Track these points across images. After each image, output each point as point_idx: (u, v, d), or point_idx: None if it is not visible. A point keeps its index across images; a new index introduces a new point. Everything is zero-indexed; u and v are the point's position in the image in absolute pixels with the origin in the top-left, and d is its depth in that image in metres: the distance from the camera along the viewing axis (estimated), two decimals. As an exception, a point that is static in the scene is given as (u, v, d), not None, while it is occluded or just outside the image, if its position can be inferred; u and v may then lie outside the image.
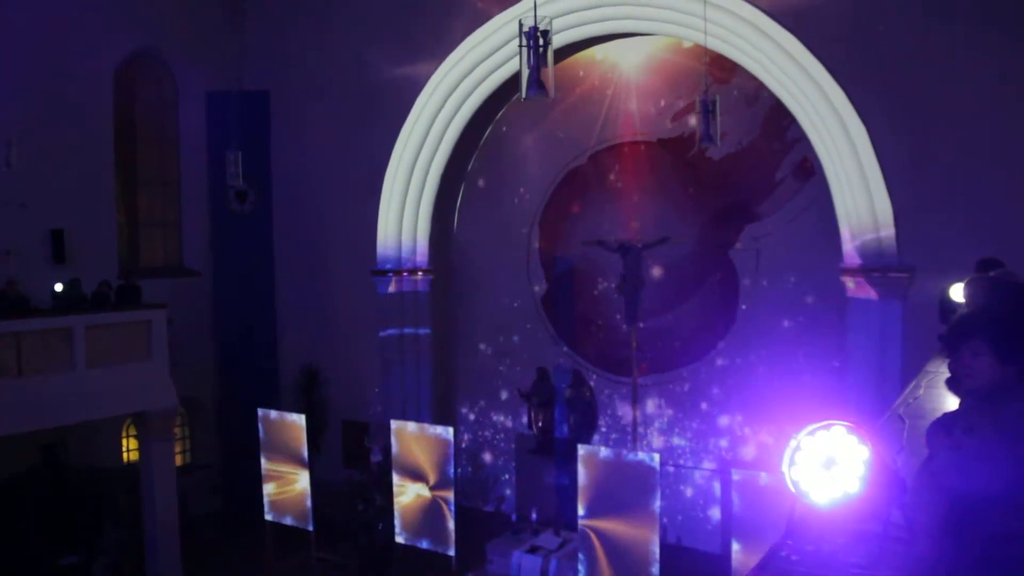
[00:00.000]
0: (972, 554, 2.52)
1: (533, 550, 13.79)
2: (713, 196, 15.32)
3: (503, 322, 17.46)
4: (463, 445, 17.72)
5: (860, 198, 13.09)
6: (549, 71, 6.80)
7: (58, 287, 14.23)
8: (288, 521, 14.06)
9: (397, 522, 13.02)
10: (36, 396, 12.91)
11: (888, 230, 12.94)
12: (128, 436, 16.97)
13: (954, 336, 2.96)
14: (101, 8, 16.40)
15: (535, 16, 6.72)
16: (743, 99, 14.89)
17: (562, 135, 16.62)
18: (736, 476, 11.77)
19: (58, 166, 15.40)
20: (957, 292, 6.66)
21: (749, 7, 13.40)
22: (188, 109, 18.60)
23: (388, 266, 17.39)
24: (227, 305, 18.74)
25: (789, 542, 3.27)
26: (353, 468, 16.92)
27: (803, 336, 14.55)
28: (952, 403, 3.83)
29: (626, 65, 16.00)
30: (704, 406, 15.56)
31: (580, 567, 11.24)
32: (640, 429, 16.02)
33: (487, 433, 17.81)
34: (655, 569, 10.51)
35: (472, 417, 17.98)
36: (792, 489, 3.35)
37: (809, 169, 14.38)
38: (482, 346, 17.78)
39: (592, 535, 11.06)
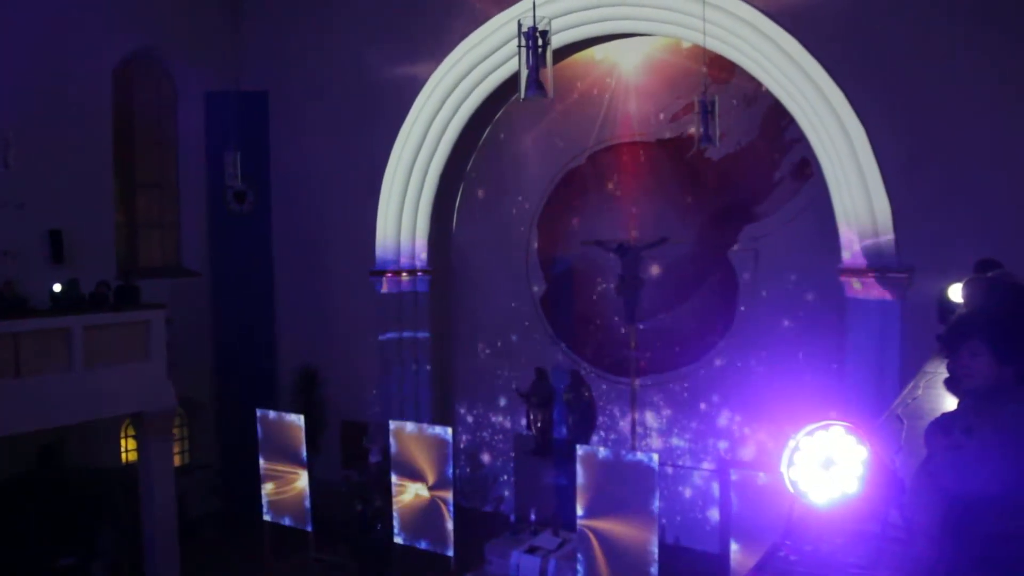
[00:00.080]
0: (970, 554, 2.52)
1: (532, 550, 13.79)
2: (712, 196, 15.32)
3: (502, 322, 17.46)
4: (462, 445, 17.73)
5: (859, 198, 13.09)
6: (548, 71, 6.80)
7: (56, 287, 14.21)
8: (287, 521, 14.05)
9: (396, 522, 13.02)
10: (34, 397, 12.89)
11: (887, 230, 12.94)
12: (126, 436, 16.96)
13: (952, 336, 2.97)
14: (99, 8, 16.39)
15: (534, 16, 6.72)
16: (742, 99, 14.90)
17: (561, 135, 16.63)
18: (735, 476, 11.77)
19: (56, 166, 15.39)
20: (955, 292, 6.67)
21: (748, 7, 13.40)
22: (187, 109, 18.59)
23: (387, 266, 17.39)
24: (226, 305, 18.74)
25: (788, 542, 3.27)
26: (352, 468, 16.92)
27: (802, 336, 14.56)
28: (950, 403, 3.83)
29: (625, 65, 16.00)
30: (703, 406, 15.57)
31: (579, 567, 11.24)
32: (639, 429, 16.03)
33: (486, 433, 17.81)
34: (654, 569, 10.51)
35: (471, 417, 17.98)
36: (791, 489, 3.35)
37: (808, 172, 14.39)
38: (481, 346, 17.79)
39: (591, 535, 11.06)
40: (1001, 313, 3.19)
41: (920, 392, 5.76)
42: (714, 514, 15.32)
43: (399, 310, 17.38)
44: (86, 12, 16.15)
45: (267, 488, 14.18)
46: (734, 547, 11.58)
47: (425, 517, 12.69)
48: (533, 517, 14.96)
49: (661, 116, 15.67)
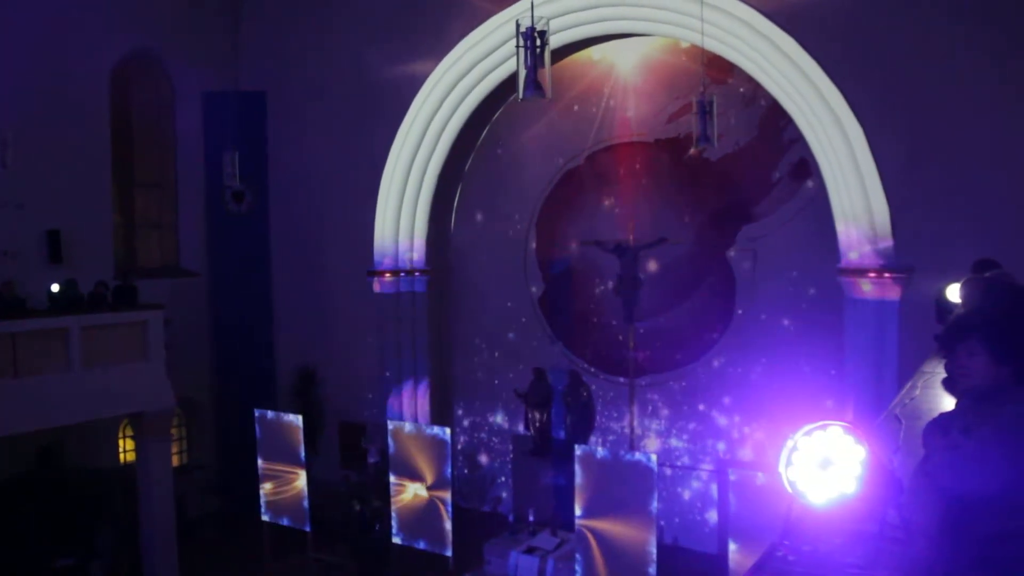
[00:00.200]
0: (969, 554, 2.52)
1: (530, 551, 13.79)
2: (710, 197, 15.33)
3: (500, 322, 17.47)
4: (460, 446, 17.72)
5: (857, 198, 13.10)
6: (546, 72, 6.80)
7: (54, 288, 14.19)
8: (285, 522, 14.05)
9: (394, 522, 13.02)
10: (33, 397, 12.88)
11: (885, 231, 12.95)
12: (125, 437, 16.95)
13: (950, 336, 2.97)
14: (98, 8, 16.38)
15: (532, 16, 6.72)
16: (740, 100, 14.91)
17: (559, 136, 16.63)
18: (733, 476, 11.79)
19: (55, 166, 15.38)
20: (953, 293, 6.67)
21: (746, 7, 13.41)
22: (185, 110, 18.57)
23: (385, 266, 17.38)
24: (224, 306, 18.73)
25: (786, 542, 3.27)
26: (350, 469, 16.91)
27: (800, 336, 14.57)
28: (949, 403, 3.83)
29: (623, 66, 16.00)
30: (701, 406, 15.57)
31: (577, 567, 11.24)
32: (637, 430, 16.03)
33: (484, 433, 17.82)
34: (652, 569, 10.51)
35: (469, 418, 17.98)
36: (789, 489, 3.35)
37: (806, 172, 14.40)
38: (479, 346, 17.78)
39: (589, 536, 11.06)
40: (998, 313, 3.19)
41: (918, 392, 5.76)
42: (712, 514, 15.32)
43: (397, 310, 17.38)
44: (84, 12, 16.14)
45: (265, 488, 14.18)
46: (732, 547, 11.60)
47: (423, 517, 12.69)
48: (531, 517, 14.96)
49: (659, 116, 15.67)
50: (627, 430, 16.09)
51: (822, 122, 13.22)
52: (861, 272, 13.23)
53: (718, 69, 14.58)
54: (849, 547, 3.10)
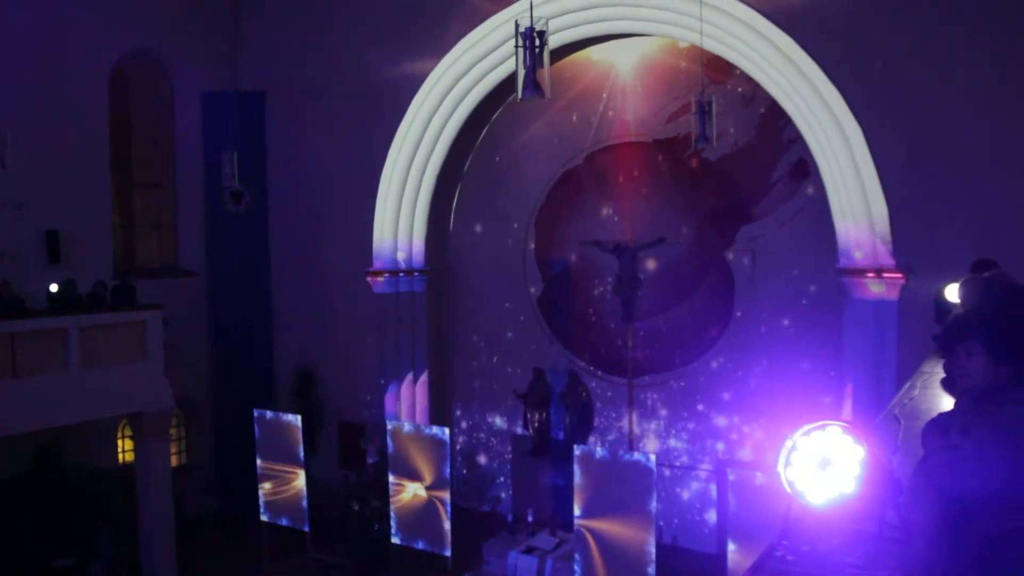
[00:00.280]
0: (968, 554, 2.52)
1: (529, 551, 13.79)
2: (709, 197, 15.33)
3: (499, 322, 17.46)
4: (459, 446, 17.72)
5: (856, 199, 13.11)
6: (545, 72, 6.79)
7: (53, 288, 14.19)
8: (284, 522, 14.04)
9: (393, 522, 13.02)
10: (31, 397, 12.87)
11: (884, 231, 12.96)
12: (124, 437, 16.96)
13: (949, 336, 2.97)
14: (97, 8, 16.37)
15: (531, 16, 6.72)
16: (739, 100, 14.91)
17: (558, 136, 16.63)
18: (732, 476, 11.80)
19: (54, 166, 15.37)
20: (952, 293, 6.67)
21: (744, 8, 13.42)
22: (184, 110, 18.57)
23: (384, 267, 17.37)
24: (223, 306, 18.72)
25: (785, 542, 3.27)
26: (349, 469, 16.90)
27: (799, 336, 14.57)
28: (947, 403, 3.84)
29: (622, 66, 16.00)
30: (700, 407, 15.57)
31: (576, 568, 11.24)
32: (636, 430, 16.03)
33: (483, 434, 17.81)
34: (651, 570, 10.51)
35: (468, 418, 17.98)
36: (788, 489, 3.35)
37: (805, 172, 14.40)
38: (478, 346, 17.77)
39: (588, 536, 11.06)
40: (997, 313, 3.19)
41: (917, 392, 5.77)
42: (711, 514, 15.33)
43: (396, 310, 17.37)
44: (83, 12, 16.14)
45: (264, 488, 14.17)
46: (731, 547, 11.61)
47: (422, 517, 12.69)
48: (530, 517, 14.96)
49: (658, 116, 15.67)
50: (626, 430, 16.09)
51: (821, 122, 13.22)
52: (860, 272, 13.24)
53: (717, 69, 14.58)
54: (848, 547, 3.11)
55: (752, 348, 14.99)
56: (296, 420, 13.79)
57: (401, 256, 17.32)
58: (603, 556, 10.92)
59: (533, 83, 6.76)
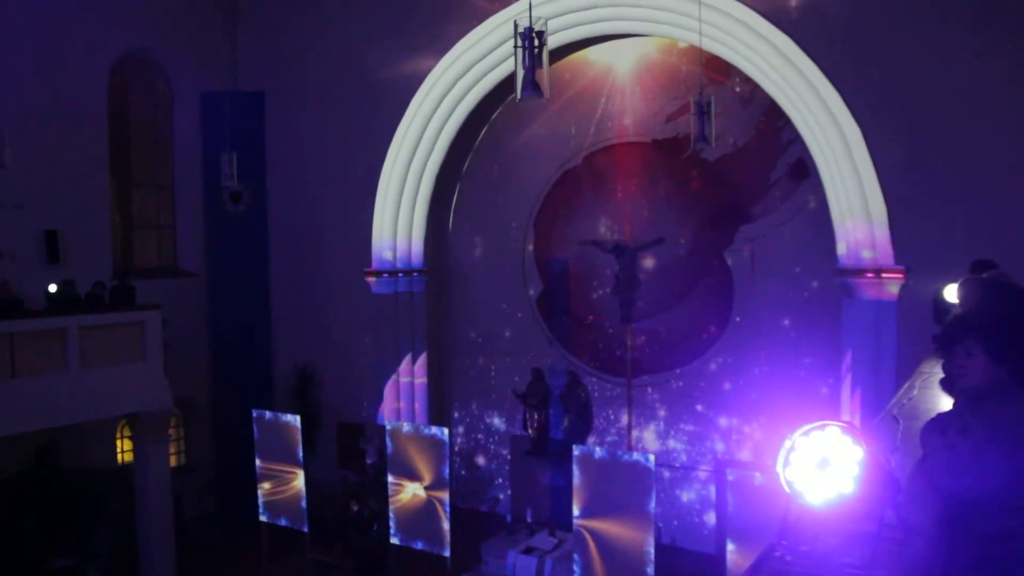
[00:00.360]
0: (967, 554, 2.52)
1: (528, 551, 13.79)
2: (708, 197, 15.34)
3: (498, 322, 17.47)
4: (457, 447, 17.71)
5: (855, 199, 13.12)
6: (544, 72, 6.80)
7: (52, 288, 14.18)
8: (283, 522, 14.04)
9: (392, 523, 13.02)
10: (30, 397, 12.86)
11: (883, 231, 12.96)
12: (122, 437, 16.95)
13: (947, 336, 2.97)
14: (95, 8, 16.36)
15: (530, 17, 6.72)
16: (738, 100, 14.92)
17: (557, 136, 16.63)
18: (731, 476, 11.81)
19: (52, 166, 15.36)
20: (951, 293, 6.68)
21: (743, 8, 13.42)
22: (183, 110, 18.57)
23: (383, 267, 17.37)
24: (222, 306, 18.72)
25: (783, 542, 3.27)
26: (348, 469, 16.90)
27: (798, 337, 14.58)
28: (946, 403, 3.84)
29: (621, 66, 16.01)
30: (699, 407, 15.58)
31: (575, 568, 11.24)
32: (635, 430, 16.04)
33: (482, 434, 17.81)
34: (650, 570, 10.51)
35: (467, 418, 17.98)
36: (787, 489, 3.35)
37: (804, 172, 14.41)
38: (477, 347, 17.77)
39: (587, 536, 11.06)
40: (996, 313, 3.20)
41: (916, 392, 5.77)
42: (710, 515, 15.33)
43: (395, 311, 17.37)
44: (82, 12, 16.12)
45: (263, 488, 14.17)
46: (730, 547, 11.62)
47: (421, 517, 12.69)
48: (529, 518, 14.96)
49: (657, 117, 15.67)
50: (625, 431, 16.09)
51: (820, 122, 13.23)
52: (859, 272, 13.25)
53: (716, 69, 14.59)
54: (847, 547, 3.11)
55: (751, 348, 15.00)
56: (295, 420, 13.80)
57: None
58: (602, 556, 10.93)
59: (532, 83, 6.76)
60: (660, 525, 14.25)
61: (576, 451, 11.31)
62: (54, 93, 15.63)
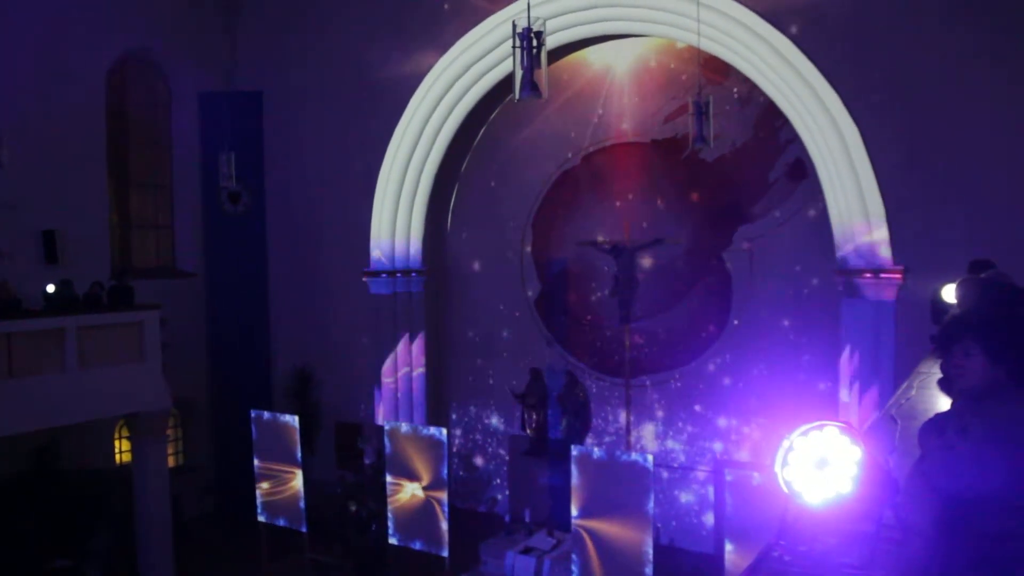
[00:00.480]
0: (965, 554, 2.52)
1: (527, 551, 13.80)
2: (706, 197, 15.34)
3: (496, 323, 17.47)
4: (455, 448, 17.71)
5: (853, 199, 13.12)
6: (542, 72, 6.80)
7: (50, 288, 14.18)
8: (281, 522, 14.02)
9: (391, 523, 13.01)
10: (28, 398, 12.86)
11: (881, 231, 12.97)
12: (121, 437, 16.94)
13: (945, 336, 2.97)
14: (94, 8, 16.36)
15: (528, 17, 6.72)
16: (736, 100, 14.92)
17: (555, 136, 16.63)
18: (729, 476, 11.81)
19: (50, 166, 15.35)
20: (949, 293, 6.69)
21: (742, 8, 13.43)
22: (181, 110, 18.57)
23: (381, 267, 17.37)
24: (220, 306, 18.71)
25: (782, 543, 3.27)
26: (346, 469, 16.90)
27: (796, 337, 14.59)
28: (944, 403, 3.84)
29: (619, 66, 16.01)
30: (698, 407, 15.58)
31: (573, 568, 11.24)
32: (634, 430, 16.04)
33: (480, 434, 17.81)
34: (648, 570, 10.51)
35: (465, 418, 17.98)
36: (785, 490, 3.35)
37: (803, 173, 14.41)
38: (475, 347, 17.77)
39: (585, 536, 11.06)
40: (994, 313, 3.20)
41: (914, 392, 5.78)
42: (709, 515, 15.33)
43: (393, 311, 17.37)
44: (80, 12, 16.11)
45: (262, 489, 14.16)
46: (728, 547, 11.63)
47: (420, 518, 12.67)
48: (528, 518, 14.96)
49: (655, 117, 15.68)
50: (624, 431, 16.10)
51: (818, 123, 13.24)
52: (857, 272, 13.26)
53: (714, 70, 14.59)
54: (845, 547, 3.11)
55: (749, 348, 15.00)
56: (293, 420, 13.78)
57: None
58: (600, 556, 10.92)
59: (531, 83, 6.76)
60: (658, 525, 14.25)
61: (574, 451, 11.30)
62: (53, 93, 15.63)
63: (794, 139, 14.18)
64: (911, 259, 12.67)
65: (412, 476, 12.72)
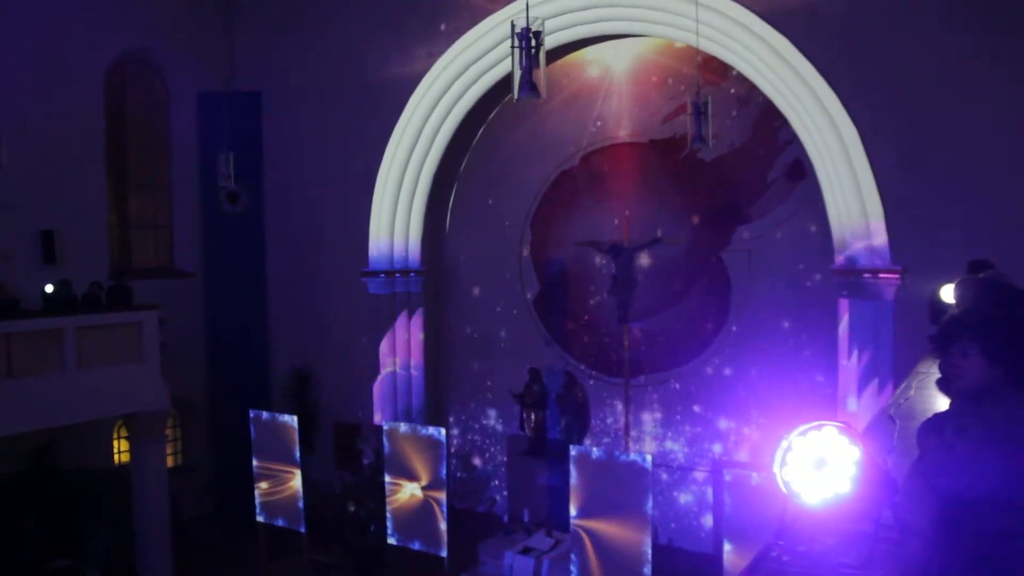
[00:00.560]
0: (964, 554, 2.53)
1: (525, 551, 13.80)
2: (705, 197, 15.34)
3: (495, 323, 17.46)
4: (453, 448, 17.70)
5: (851, 199, 13.13)
6: (541, 72, 6.79)
7: (48, 288, 14.17)
8: (280, 522, 14.03)
9: (389, 523, 13.02)
10: (27, 398, 12.84)
11: (879, 231, 12.97)
12: (120, 438, 16.93)
13: (944, 336, 2.97)
14: (92, 8, 16.35)
15: (527, 17, 6.72)
16: (735, 101, 14.92)
17: (554, 136, 16.62)
18: (728, 476, 11.80)
19: (49, 166, 15.34)
20: (947, 293, 6.69)
21: (740, 8, 13.43)
22: (180, 110, 18.56)
23: (380, 267, 17.36)
24: (219, 306, 18.70)
25: (780, 542, 3.27)
26: (345, 469, 16.89)
27: (795, 337, 14.59)
28: (942, 404, 3.84)
29: (618, 66, 16.01)
30: (697, 407, 15.58)
31: (572, 568, 11.24)
32: (632, 431, 16.04)
33: (479, 434, 17.80)
34: (647, 570, 10.51)
35: (464, 418, 17.97)
36: (784, 490, 3.36)
37: (801, 173, 14.42)
38: (474, 347, 17.76)
39: (584, 536, 11.06)
40: (992, 313, 3.20)
41: (912, 392, 5.78)
42: (708, 521, 15.33)
43: (392, 311, 17.36)
44: (79, 12, 16.10)
45: (260, 489, 14.16)
46: (727, 547, 11.62)
47: (419, 518, 12.68)
48: (527, 518, 14.96)
49: (654, 117, 15.68)
50: (622, 431, 16.09)
51: (817, 123, 13.24)
52: (856, 272, 13.26)
53: (713, 70, 14.59)
54: (844, 547, 3.11)
55: (748, 348, 15.00)
56: (292, 420, 13.78)
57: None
58: (599, 556, 10.93)
59: (529, 83, 6.76)
60: (657, 525, 14.25)
61: (573, 451, 11.31)
62: (51, 93, 15.61)
63: (793, 139, 14.18)
64: (910, 259, 12.66)
65: (411, 476, 12.73)
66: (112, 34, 16.81)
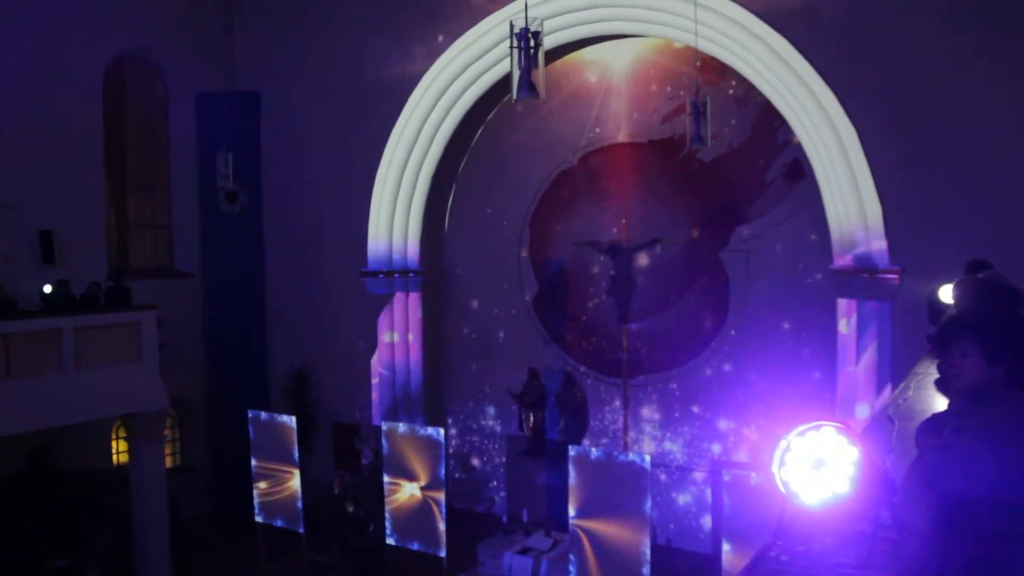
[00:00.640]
0: (962, 553, 2.53)
1: (524, 551, 13.80)
2: (704, 198, 15.34)
3: (494, 323, 17.46)
4: (452, 448, 17.70)
5: (850, 199, 13.13)
6: (540, 72, 6.79)
7: (47, 288, 14.16)
8: (279, 523, 14.02)
9: (388, 523, 13.02)
10: (25, 398, 12.84)
11: (878, 231, 12.98)
12: (118, 438, 16.92)
13: (943, 336, 2.97)
14: (91, 8, 16.34)
15: (526, 17, 6.72)
16: (734, 101, 14.92)
17: (553, 137, 16.62)
18: (727, 476, 11.80)
19: (48, 167, 15.34)
20: (946, 293, 6.69)
21: (739, 9, 13.43)
22: (178, 110, 18.55)
23: (379, 267, 17.36)
24: (218, 306, 18.69)
25: (779, 542, 3.28)
26: (344, 469, 16.89)
27: (793, 337, 14.59)
28: (941, 404, 3.84)
29: (617, 66, 16.01)
30: (696, 408, 15.58)
31: (571, 568, 11.24)
32: (631, 431, 16.04)
33: (478, 434, 17.80)
34: (646, 570, 10.51)
35: (463, 418, 17.96)
36: (782, 490, 3.36)
37: (800, 173, 14.42)
38: (473, 347, 17.75)
39: (583, 536, 11.06)
40: (991, 314, 3.20)
41: (911, 392, 5.78)
42: (707, 521, 15.33)
43: (391, 311, 17.36)
44: (79, 12, 16.10)
45: (259, 489, 14.15)
46: (726, 547, 11.61)
47: (417, 518, 12.68)
48: (525, 518, 14.96)
49: (653, 117, 15.68)
50: (621, 431, 16.09)
51: (815, 123, 13.24)
52: (855, 273, 13.26)
53: (711, 70, 14.59)
54: (842, 547, 3.11)
55: (747, 348, 15.00)
56: (291, 421, 13.78)
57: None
58: (598, 557, 10.93)
59: (528, 84, 6.76)
60: (656, 525, 14.26)
61: (572, 451, 11.31)
62: (50, 93, 15.61)
63: (791, 139, 14.19)
64: (908, 259, 12.67)
65: (410, 476, 12.73)
66: (112, 34, 16.80)
